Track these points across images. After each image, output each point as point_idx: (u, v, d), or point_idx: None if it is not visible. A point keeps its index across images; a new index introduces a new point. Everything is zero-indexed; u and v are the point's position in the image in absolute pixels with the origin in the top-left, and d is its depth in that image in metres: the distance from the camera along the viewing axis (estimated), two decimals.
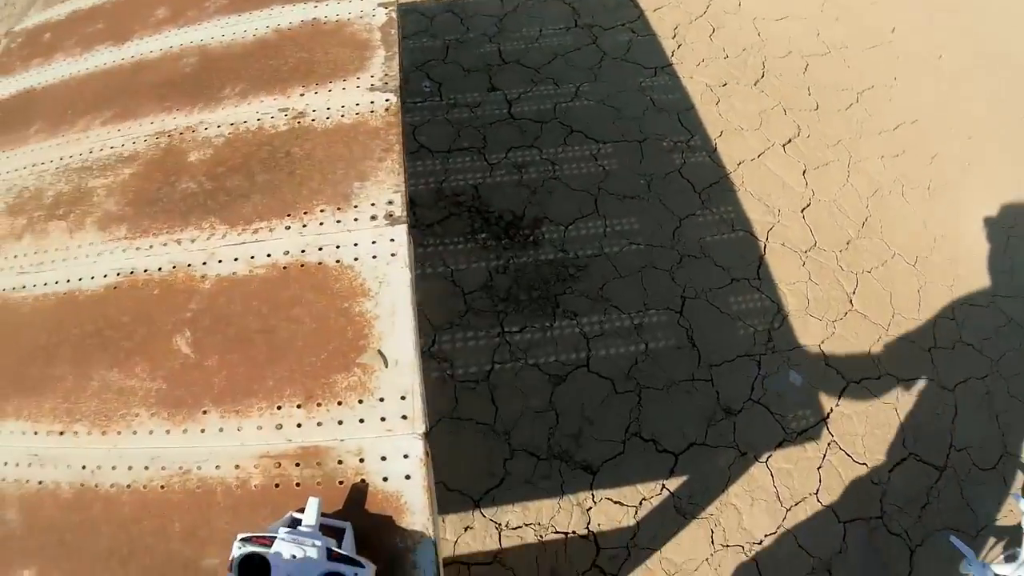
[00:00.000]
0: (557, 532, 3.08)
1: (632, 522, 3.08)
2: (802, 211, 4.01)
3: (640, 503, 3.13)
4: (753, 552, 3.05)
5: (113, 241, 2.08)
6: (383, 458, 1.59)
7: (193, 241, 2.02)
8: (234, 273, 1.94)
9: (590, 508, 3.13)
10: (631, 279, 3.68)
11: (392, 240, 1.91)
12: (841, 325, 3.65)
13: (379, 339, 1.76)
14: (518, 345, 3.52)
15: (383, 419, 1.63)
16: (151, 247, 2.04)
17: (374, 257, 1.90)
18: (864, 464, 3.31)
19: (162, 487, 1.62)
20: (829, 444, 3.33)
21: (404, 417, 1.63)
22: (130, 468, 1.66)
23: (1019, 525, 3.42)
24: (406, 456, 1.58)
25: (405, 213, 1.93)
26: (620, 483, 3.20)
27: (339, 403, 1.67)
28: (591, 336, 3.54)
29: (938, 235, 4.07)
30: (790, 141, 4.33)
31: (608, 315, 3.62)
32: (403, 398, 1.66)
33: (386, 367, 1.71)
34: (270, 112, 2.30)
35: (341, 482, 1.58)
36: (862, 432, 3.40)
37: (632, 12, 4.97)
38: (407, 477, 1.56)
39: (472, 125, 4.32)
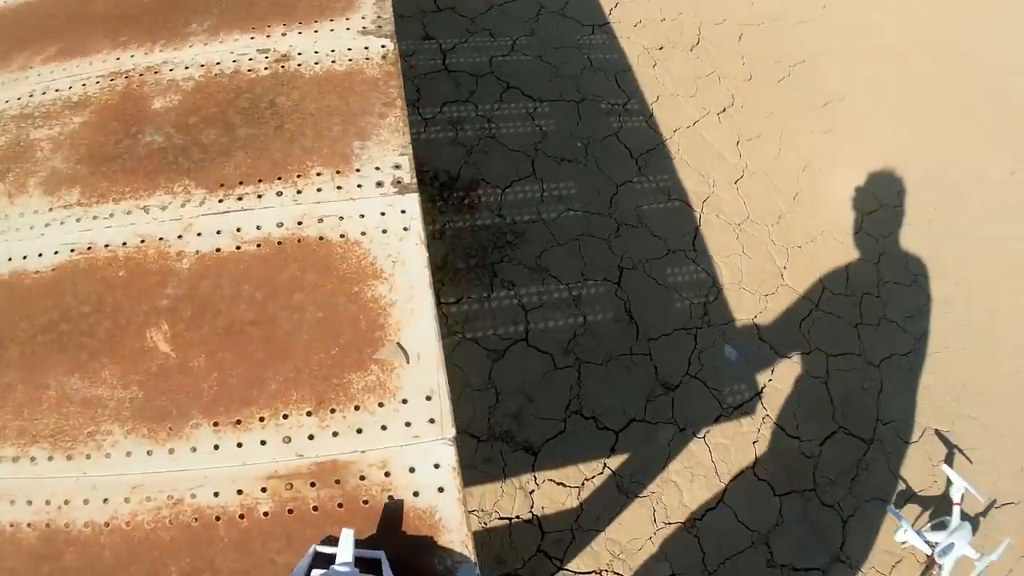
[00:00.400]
0: (501, 518, 3.20)
1: (575, 503, 3.24)
2: (736, 182, 4.35)
3: (583, 484, 3.29)
4: (695, 529, 3.27)
5: (64, 208, 1.82)
6: (411, 470, 1.46)
7: (164, 209, 1.79)
8: (218, 250, 1.73)
9: (533, 491, 3.26)
10: (569, 247, 3.85)
11: (403, 212, 1.78)
12: (773, 299, 3.99)
13: (397, 330, 1.61)
14: (456, 318, 3.62)
15: (408, 424, 1.50)
16: (111, 215, 1.80)
17: (384, 232, 1.74)
18: (797, 438, 3.61)
19: (149, 523, 1.41)
20: (764, 418, 3.61)
21: (432, 421, 1.50)
22: (106, 501, 1.44)
23: (946, 494, 3.91)
24: (437, 466, 1.46)
25: (415, 180, 1.84)
26: (562, 463, 3.34)
27: (356, 408, 1.52)
28: (529, 308, 3.67)
29: (864, 213, 4.45)
30: (724, 110, 4.66)
31: (546, 285, 3.76)
32: (429, 399, 1.52)
33: (408, 363, 1.56)
34: (247, 53, 2.10)
35: (366, 501, 1.44)
36: (794, 407, 3.69)
37: None
38: (440, 490, 1.44)
39: (406, 76, 4.26)
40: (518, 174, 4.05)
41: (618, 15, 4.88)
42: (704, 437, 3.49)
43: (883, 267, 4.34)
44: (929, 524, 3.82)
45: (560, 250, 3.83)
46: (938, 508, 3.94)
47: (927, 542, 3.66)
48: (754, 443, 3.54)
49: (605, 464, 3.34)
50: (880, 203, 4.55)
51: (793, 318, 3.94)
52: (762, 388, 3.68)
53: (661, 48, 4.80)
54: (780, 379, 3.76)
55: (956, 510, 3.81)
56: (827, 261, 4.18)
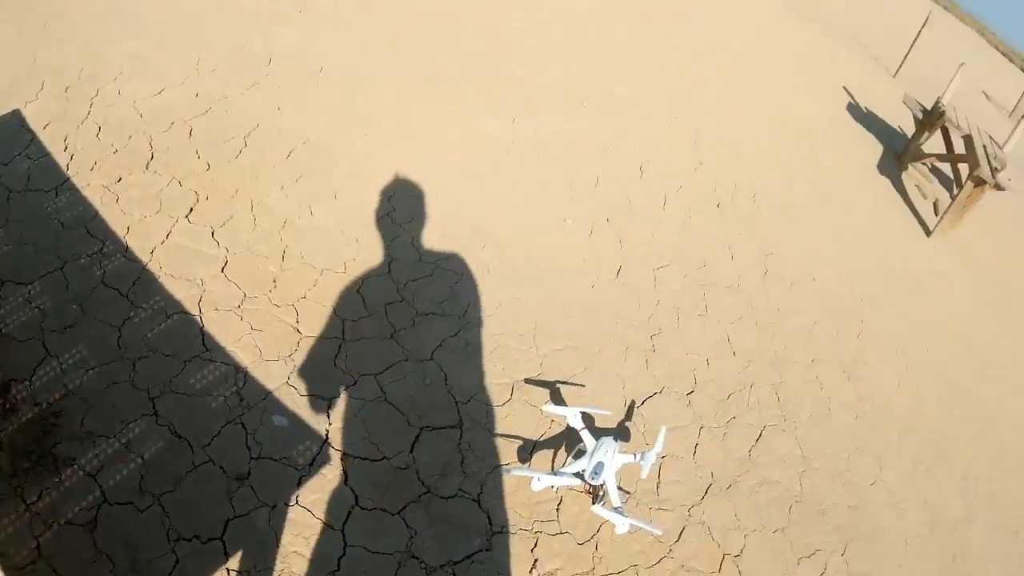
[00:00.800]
0: None
1: None
2: (222, 270, 4.88)
3: None
4: None
5: None
6: None
7: None
8: None
9: None
10: (102, 403, 4.21)
11: None
12: (298, 355, 4.56)
13: None
14: (46, 511, 3.81)
15: None
16: None
17: None
18: (384, 457, 4.19)
19: None
20: (343, 458, 4.13)
21: None
22: None
23: (568, 427, 4.49)
24: None
25: None
26: None
27: None
28: (95, 472, 3.95)
29: (361, 234, 5.18)
30: (192, 210, 5.20)
31: (98, 446, 4.05)
32: None
33: None
34: None
35: None
36: (367, 434, 4.26)
37: (25, 137, 5.40)
38: None
39: None
40: (35, 359, 4.31)
41: (75, 166, 5.30)
42: (297, 503, 3.91)
43: (396, 273, 5.01)
44: (570, 456, 4.26)
45: (96, 410, 4.16)
46: (571, 441, 4.49)
47: (574, 474, 4.04)
48: (344, 483, 4.01)
49: (227, 569, 3.69)
50: (379, 215, 5.13)
51: (325, 361, 4.54)
52: (327, 434, 4.18)
53: (119, 180, 5.27)
54: (339, 418, 4.28)
55: (584, 434, 4.25)
56: (336, 295, 4.87)
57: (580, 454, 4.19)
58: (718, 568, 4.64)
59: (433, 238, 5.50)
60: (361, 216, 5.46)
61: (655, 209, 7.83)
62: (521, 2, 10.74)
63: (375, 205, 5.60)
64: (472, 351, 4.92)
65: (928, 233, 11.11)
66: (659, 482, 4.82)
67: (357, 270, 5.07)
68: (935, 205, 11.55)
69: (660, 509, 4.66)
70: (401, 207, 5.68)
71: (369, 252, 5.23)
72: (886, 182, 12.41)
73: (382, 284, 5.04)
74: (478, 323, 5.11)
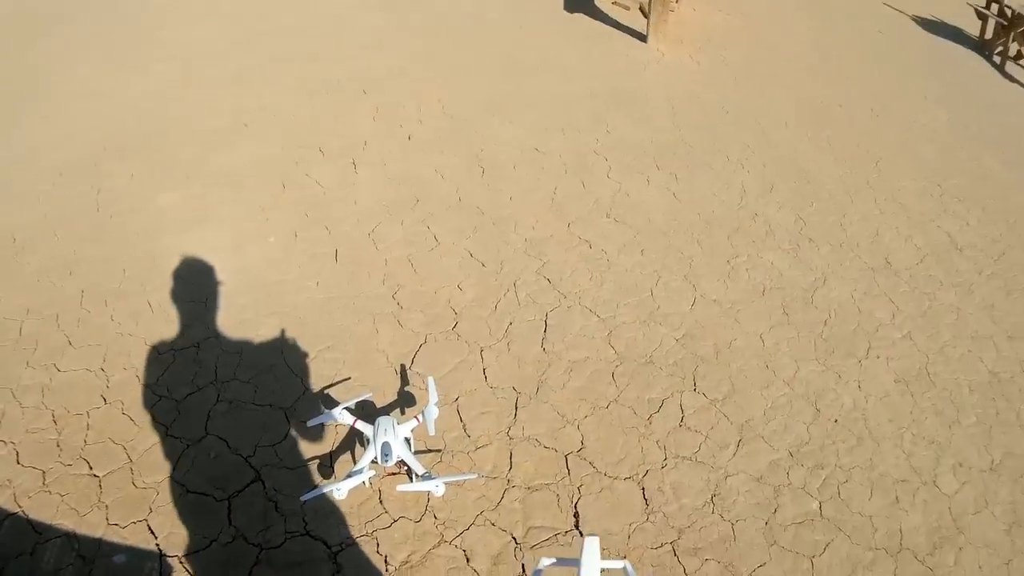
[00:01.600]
0: None
1: None
2: (17, 462, 5.22)
3: None
4: None
5: None
6: None
7: None
8: None
9: None
10: None
11: None
12: (104, 496, 5.05)
13: None
14: None
15: None
16: None
17: None
18: (212, 540, 4.63)
19: None
20: (180, 560, 4.64)
21: None
22: None
23: (352, 430, 4.91)
24: None
25: None
26: None
27: None
28: None
29: (102, 366, 5.84)
30: None
31: None
32: None
33: None
34: None
35: None
36: (188, 528, 4.76)
37: None
38: None
39: None
40: None
41: None
42: None
43: (147, 377, 5.73)
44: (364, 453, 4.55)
45: None
46: (361, 438, 4.96)
47: (372, 462, 4.34)
48: None
49: None
50: (109, 336, 6.00)
51: (126, 487, 5.04)
52: (159, 547, 4.71)
53: None
54: (161, 528, 4.78)
55: (360, 425, 4.59)
56: (109, 427, 5.41)
57: (367, 442, 4.44)
58: (566, 471, 5.20)
59: (159, 329, 6.07)
60: (95, 348, 5.98)
61: (347, 178, 8.39)
62: None
63: (103, 331, 6.12)
64: (236, 407, 5.41)
65: (644, 39, 11.93)
66: (463, 424, 5.36)
67: (114, 395, 5.56)
68: (642, 10, 12.34)
69: (479, 448, 5.20)
70: (123, 319, 6.24)
71: (116, 374, 5.72)
72: (581, 16, 13.01)
73: (139, 393, 5.57)
74: (230, 379, 5.65)
